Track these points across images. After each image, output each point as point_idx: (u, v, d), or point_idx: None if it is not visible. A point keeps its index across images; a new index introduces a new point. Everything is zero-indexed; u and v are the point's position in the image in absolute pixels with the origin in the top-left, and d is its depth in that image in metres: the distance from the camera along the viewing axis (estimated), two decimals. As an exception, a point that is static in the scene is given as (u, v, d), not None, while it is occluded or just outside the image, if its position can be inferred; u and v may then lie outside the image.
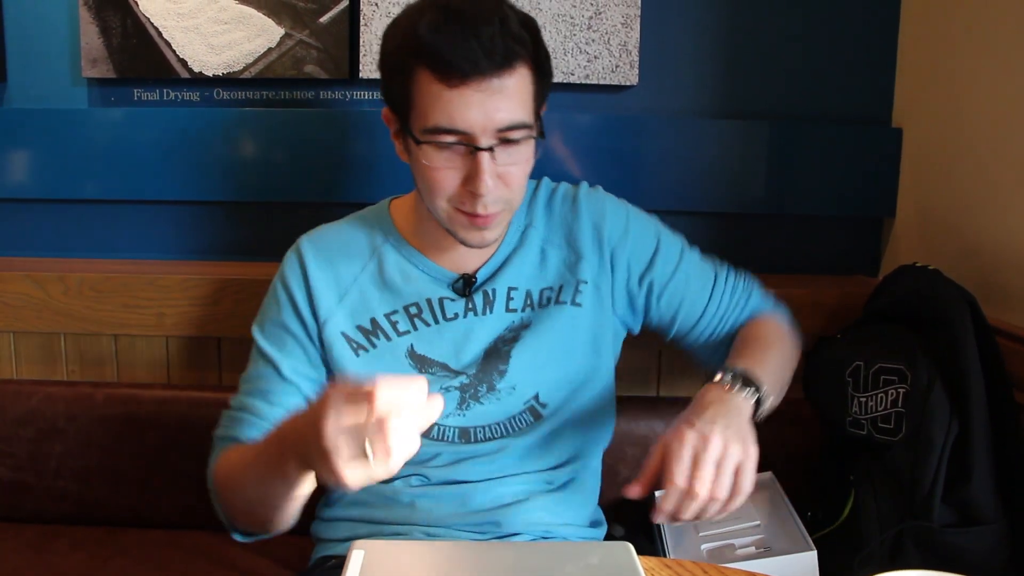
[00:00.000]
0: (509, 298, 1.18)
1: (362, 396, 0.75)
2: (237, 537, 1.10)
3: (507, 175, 1.06)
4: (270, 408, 1.13)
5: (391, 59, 1.07)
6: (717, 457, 0.91)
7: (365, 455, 0.76)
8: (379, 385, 0.75)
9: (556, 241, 1.21)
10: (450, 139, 1.02)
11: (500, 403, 1.16)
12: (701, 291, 1.24)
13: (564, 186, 1.25)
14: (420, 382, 0.78)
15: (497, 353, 1.16)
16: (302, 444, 0.82)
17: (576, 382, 1.19)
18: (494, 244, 1.18)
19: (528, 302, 1.18)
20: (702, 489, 0.89)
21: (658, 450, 0.94)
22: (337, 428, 0.76)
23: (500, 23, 1.00)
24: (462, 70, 0.99)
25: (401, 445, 0.76)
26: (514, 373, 1.16)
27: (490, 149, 1.02)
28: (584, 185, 1.25)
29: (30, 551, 1.43)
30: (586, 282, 1.19)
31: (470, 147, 1.03)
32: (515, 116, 1.03)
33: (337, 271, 1.18)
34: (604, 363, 1.22)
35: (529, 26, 1.06)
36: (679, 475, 0.90)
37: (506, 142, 1.04)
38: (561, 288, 1.19)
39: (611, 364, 1.25)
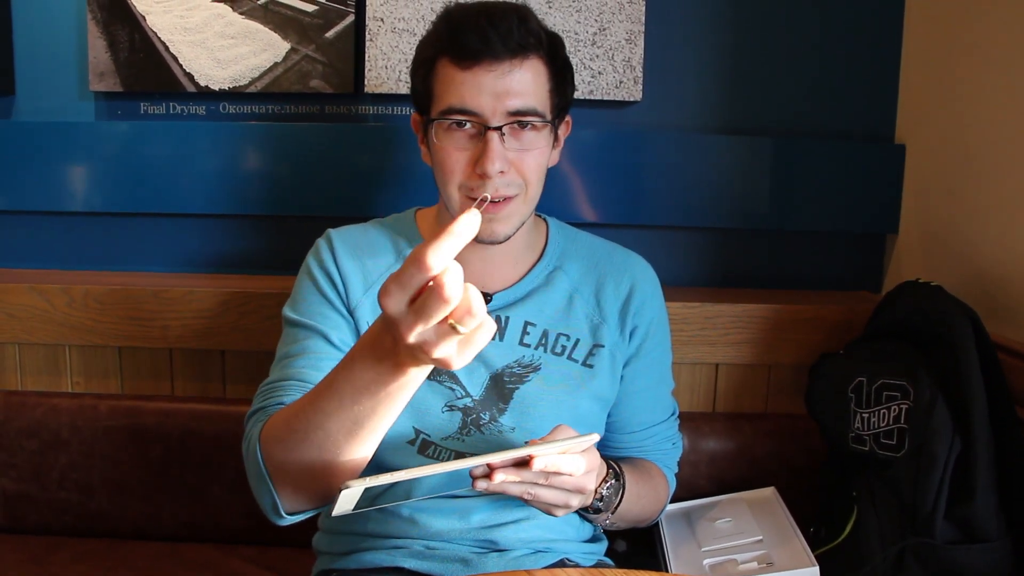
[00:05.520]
0: (525, 332, 1.18)
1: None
2: (286, 517, 0.96)
3: (519, 161, 1.09)
4: (321, 375, 1.00)
5: (418, 56, 1.13)
6: (568, 484, 0.96)
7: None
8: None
9: (585, 294, 1.22)
10: (461, 119, 1.06)
11: (499, 437, 1.16)
12: (646, 417, 1.27)
13: (620, 248, 1.28)
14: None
15: (502, 387, 1.16)
16: (374, 328, 0.77)
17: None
18: (514, 265, 1.20)
19: (542, 341, 1.19)
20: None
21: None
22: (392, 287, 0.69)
23: (519, 20, 1.06)
24: (475, 52, 1.04)
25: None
26: (514, 414, 1.16)
27: (499, 129, 1.06)
28: (641, 258, 1.28)
29: (32, 563, 1.43)
30: (603, 346, 1.20)
31: (481, 128, 1.06)
32: (527, 103, 1.07)
33: (364, 264, 1.18)
34: (603, 418, 1.25)
35: (551, 36, 1.11)
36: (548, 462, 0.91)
37: (519, 126, 1.07)
38: (577, 343, 1.20)
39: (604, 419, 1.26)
